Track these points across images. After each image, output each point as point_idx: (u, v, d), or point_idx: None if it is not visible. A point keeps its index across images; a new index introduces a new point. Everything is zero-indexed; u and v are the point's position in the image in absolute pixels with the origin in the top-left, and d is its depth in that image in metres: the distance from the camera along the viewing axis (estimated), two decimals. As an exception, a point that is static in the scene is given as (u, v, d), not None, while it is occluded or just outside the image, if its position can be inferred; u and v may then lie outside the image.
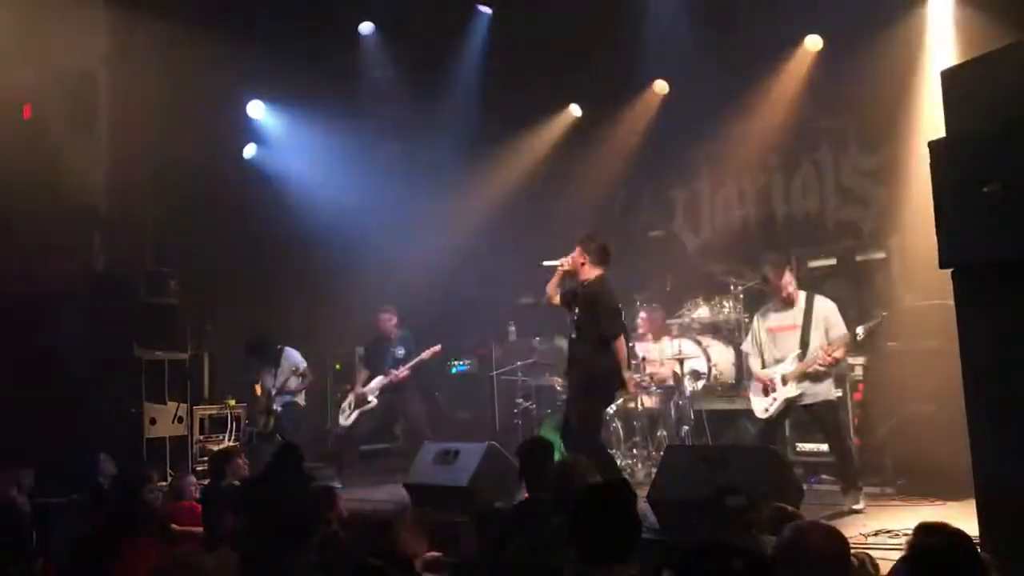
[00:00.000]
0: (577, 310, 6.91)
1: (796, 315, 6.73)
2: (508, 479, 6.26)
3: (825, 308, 6.70)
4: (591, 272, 6.90)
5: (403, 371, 9.09)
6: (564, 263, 6.98)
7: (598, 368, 6.71)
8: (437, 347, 9.33)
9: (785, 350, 6.74)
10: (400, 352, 9.20)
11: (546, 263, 7.09)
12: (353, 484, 8.61)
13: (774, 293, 6.88)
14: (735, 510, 3.70)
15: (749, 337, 7.18)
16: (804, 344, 6.62)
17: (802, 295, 6.79)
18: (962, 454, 4.29)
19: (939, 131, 4.30)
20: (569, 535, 3.21)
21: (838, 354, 6.57)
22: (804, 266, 8.98)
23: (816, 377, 6.59)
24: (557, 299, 7.12)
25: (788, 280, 6.79)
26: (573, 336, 6.95)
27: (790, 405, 6.67)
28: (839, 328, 6.62)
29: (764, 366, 6.87)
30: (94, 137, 10.14)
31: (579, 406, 6.85)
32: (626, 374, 6.81)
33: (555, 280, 7.07)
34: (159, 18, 9.38)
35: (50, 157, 9.50)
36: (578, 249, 6.94)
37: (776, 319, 6.87)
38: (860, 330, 6.58)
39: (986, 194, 3.86)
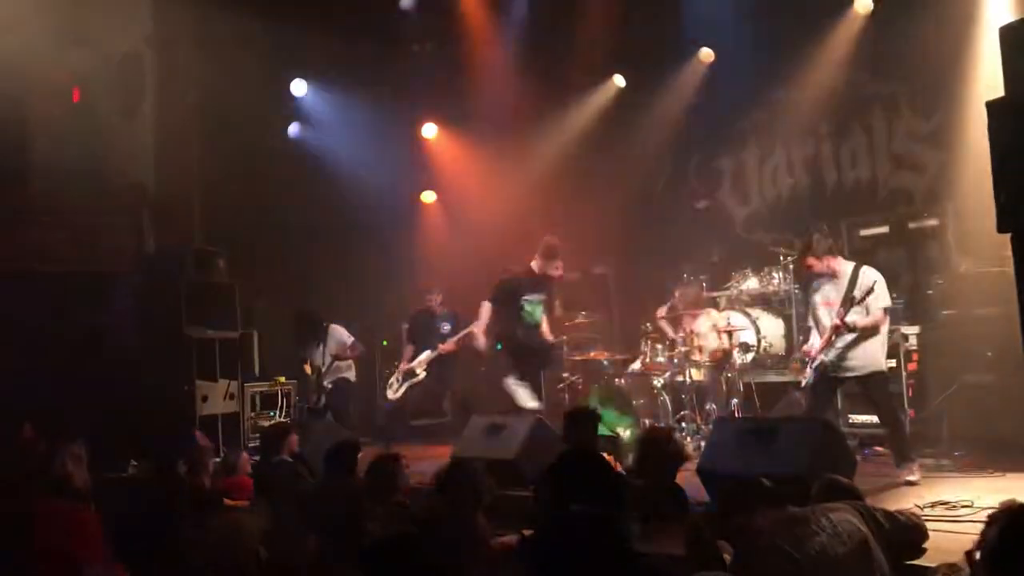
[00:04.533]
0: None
1: (842, 286, 6.58)
2: (555, 451, 6.23)
3: (868, 279, 6.52)
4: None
5: (451, 343, 9.11)
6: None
7: None
8: (485, 314, 9.30)
9: (828, 322, 6.61)
10: (446, 328, 9.25)
11: None
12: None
13: (804, 269, 6.72)
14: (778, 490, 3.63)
15: (809, 313, 7.04)
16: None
17: (849, 266, 6.63)
18: (1021, 424, 4.18)
19: (997, 91, 4.15)
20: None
21: (851, 320, 6.40)
22: (856, 235, 8.80)
23: (858, 344, 6.44)
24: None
25: (819, 255, 6.62)
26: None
27: (829, 373, 6.53)
28: (882, 299, 6.45)
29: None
30: (141, 119, 10.27)
31: None
32: None
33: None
34: (201, -1, 9.45)
35: (99, 139, 9.65)
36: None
37: (825, 293, 6.73)
38: (857, 292, 6.39)
39: (1047, 154, 3.73)
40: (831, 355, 6.50)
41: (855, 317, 6.38)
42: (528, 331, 8.23)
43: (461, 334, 9.14)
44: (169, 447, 6.83)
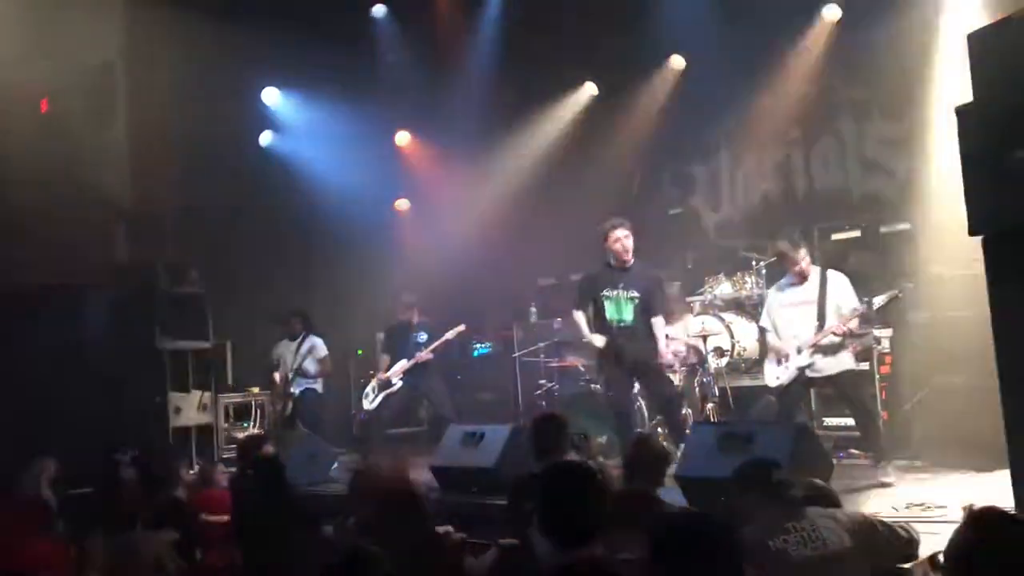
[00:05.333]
0: (634, 294, 7.03)
1: (811, 291, 6.67)
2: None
3: (838, 283, 6.63)
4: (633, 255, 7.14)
5: (428, 352, 9.08)
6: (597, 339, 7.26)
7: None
8: (461, 326, 9.28)
9: (800, 326, 6.68)
10: (422, 337, 9.19)
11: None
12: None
13: (789, 267, 6.81)
14: (778, 485, 3.63)
15: (764, 312, 7.12)
16: (821, 318, 6.56)
17: (816, 270, 6.73)
18: (992, 425, 4.24)
19: (965, 96, 4.21)
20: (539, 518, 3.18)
21: (852, 325, 6.50)
22: (827, 239, 8.89)
23: (832, 349, 6.53)
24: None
25: (803, 256, 6.72)
26: (627, 320, 7.05)
27: (805, 376, 6.61)
28: (852, 302, 6.56)
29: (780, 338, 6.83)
30: (113, 129, 10.18)
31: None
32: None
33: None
34: (174, 9, 9.38)
35: (70, 150, 9.54)
36: (629, 233, 7.11)
37: (791, 295, 6.81)
38: (877, 300, 6.51)
39: (1015, 159, 3.78)
40: (804, 359, 6.57)
41: (834, 321, 6.48)
42: None
43: (438, 341, 9.12)
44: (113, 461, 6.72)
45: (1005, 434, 4.04)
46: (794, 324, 6.72)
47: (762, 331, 7.35)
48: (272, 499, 4.96)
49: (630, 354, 7.04)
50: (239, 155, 10.64)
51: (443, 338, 9.12)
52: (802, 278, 6.73)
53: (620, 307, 7.04)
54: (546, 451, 4.96)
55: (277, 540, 4.45)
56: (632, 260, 7.10)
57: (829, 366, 6.57)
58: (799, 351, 6.61)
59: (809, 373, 6.63)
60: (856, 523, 3.61)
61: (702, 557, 2.54)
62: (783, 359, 6.71)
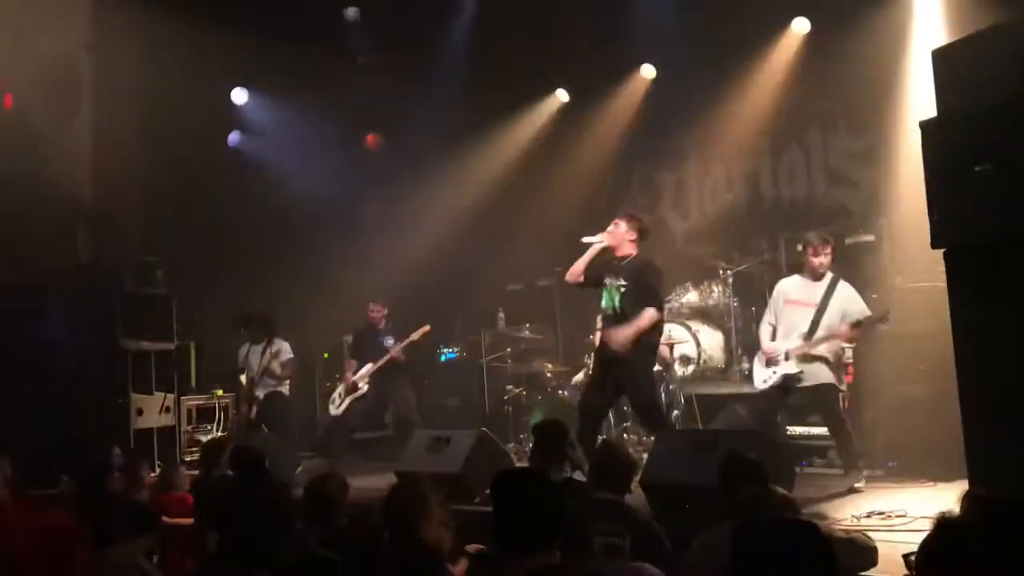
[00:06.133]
0: (622, 282, 6.80)
1: (816, 293, 6.71)
2: (500, 466, 6.23)
3: (846, 294, 6.67)
4: (632, 248, 6.88)
5: (395, 351, 9.04)
6: (604, 239, 6.89)
7: (653, 341, 6.78)
8: (427, 327, 9.24)
9: (791, 325, 6.73)
10: (389, 342, 9.18)
11: (585, 239, 6.96)
12: (344, 473, 8.54)
13: (808, 259, 6.80)
14: (751, 499, 3.66)
15: (770, 304, 7.10)
16: (814, 325, 6.61)
17: (828, 275, 6.77)
18: (952, 435, 4.29)
19: (929, 111, 4.28)
20: (491, 522, 3.13)
21: (855, 334, 6.58)
22: (793, 249, 8.97)
23: (820, 360, 6.60)
24: (582, 278, 7.02)
25: (827, 252, 6.74)
26: (615, 312, 6.81)
27: (787, 383, 6.66)
28: (862, 309, 6.63)
29: (775, 336, 6.85)
30: (77, 126, 10.03)
31: (644, 382, 6.83)
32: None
33: (588, 258, 6.96)
34: (141, 4, 9.28)
35: (33, 147, 9.40)
36: (625, 224, 6.90)
37: (797, 291, 6.85)
38: (864, 320, 6.57)
39: (979, 174, 3.84)
40: (792, 367, 6.61)
41: (825, 330, 6.55)
42: None
43: (405, 342, 9.09)
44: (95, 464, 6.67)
45: (964, 445, 4.09)
46: (788, 320, 6.78)
47: (756, 326, 7.32)
48: (253, 491, 4.90)
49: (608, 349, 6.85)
50: (206, 155, 10.53)
51: (408, 339, 9.10)
52: (816, 276, 6.76)
53: (611, 295, 6.92)
54: (549, 457, 4.95)
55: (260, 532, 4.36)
56: (632, 253, 6.87)
57: (812, 376, 6.62)
58: (787, 357, 6.66)
59: (792, 383, 6.67)
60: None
61: (792, 567, 2.45)
62: (772, 362, 6.75)
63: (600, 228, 7.08)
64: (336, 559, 3.18)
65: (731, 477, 3.95)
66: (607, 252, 6.96)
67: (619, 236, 6.89)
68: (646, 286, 6.72)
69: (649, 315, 6.65)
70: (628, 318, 6.71)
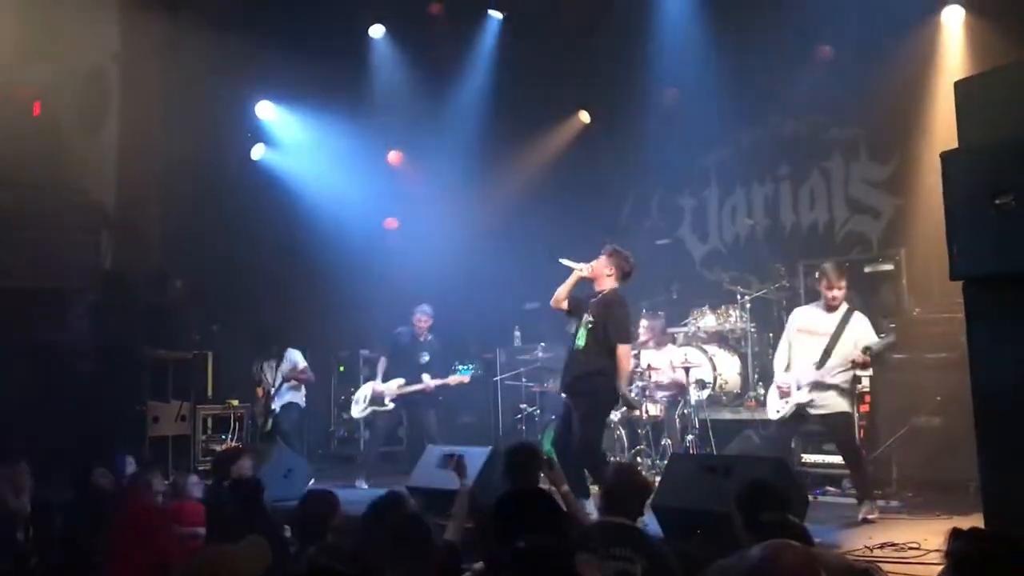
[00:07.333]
0: (590, 318, 6.77)
1: (830, 324, 6.65)
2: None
3: (860, 327, 6.61)
4: (610, 284, 6.83)
5: (428, 386, 8.89)
6: (584, 268, 6.87)
7: (608, 377, 6.63)
8: (465, 378, 9.13)
9: (804, 354, 6.68)
10: (424, 358, 8.98)
11: (564, 261, 6.92)
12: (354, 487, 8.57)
13: (825, 291, 6.73)
14: (773, 525, 3.63)
15: (784, 333, 7.04)
16: (826, 354, 6.56)
17: (843, 306, 6.73)
18: (969, 468, 4.28)
19: (951, 142, 4.28)
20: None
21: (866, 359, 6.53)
22: (812, 276, 8.94)
23: (834, 388, 6.56)
24: (565, 304, 7.00)
25: (843, 285, 6.69)
26: (579, 345, 6.81)
27: (802, 411, 6.62)
28: (873, 337, 6.55)
29: (789, 367, 6.79)
30: (103, 135, 10.17)
31: (585, 414, 6.68)
32: (623, 387, 6.68)
33: (569, 284, 6.93)
34: (170, 16, 9.40)
35: (59, 154, 9.53)
36: (605, 259, 6.86)
37: (810, 320, 6.79)
38: (875, 346, 6.53)
39: (999, 206, 3.83)
40: (804, 396, 6.57)
41: (839, 361, 6.50)
42: None
43: (439, 382, 8.85)
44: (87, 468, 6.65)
45: (979, 478, 4.06)
46: (804, 351, 6.72)
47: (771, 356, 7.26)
48: (250, 520, 4.90)
49: (563, 381, 6.88)
50: (230, 167, 10.63)
51: (444, 380, 8.94)
52: (830, 308, 6.73)
53: (580, 331, 6.85)
54: (519, 479, 4.94)
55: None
56: (606, 288, 6.81)
57: (826, 405, 6.58)
58: (799, 387, 6.63)
59: (810, 409, 6.62)
60: (831, 564, 3.62)
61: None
62: (784, 393, 6.72)
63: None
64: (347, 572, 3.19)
65: (753, 503, 3.92)
66: (589, 281, 6.91)
67: (598, 269, 6.85)
68: (614, 319, 6.66)
69: (622, 352, 6.62)
70: (587, 354, 6.68)
